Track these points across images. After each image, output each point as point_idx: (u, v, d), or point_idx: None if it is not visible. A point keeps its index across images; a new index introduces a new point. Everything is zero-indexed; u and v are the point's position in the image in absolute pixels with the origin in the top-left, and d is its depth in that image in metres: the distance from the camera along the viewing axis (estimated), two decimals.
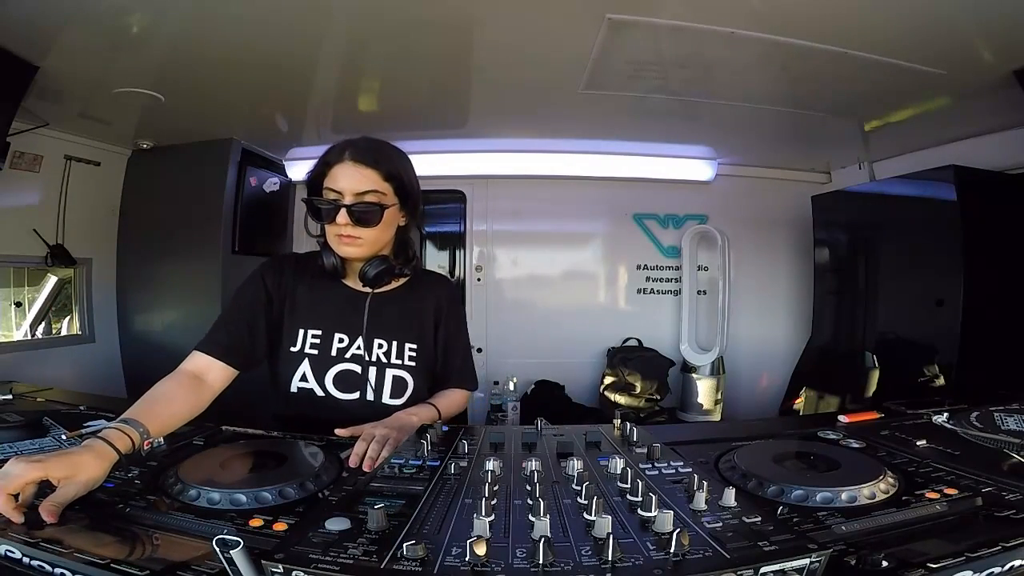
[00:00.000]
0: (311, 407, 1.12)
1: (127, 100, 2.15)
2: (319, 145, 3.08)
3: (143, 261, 2.86)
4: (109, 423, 0.83)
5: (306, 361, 1.13)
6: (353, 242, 1.07)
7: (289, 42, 1.78)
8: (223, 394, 1.06)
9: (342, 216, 1.04)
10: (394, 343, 1.16)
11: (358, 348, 1.14)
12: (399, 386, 1.15)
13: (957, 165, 2.09)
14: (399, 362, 1.16)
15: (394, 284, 1.19)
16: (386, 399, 1.14)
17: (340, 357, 1.13)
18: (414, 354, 1.17)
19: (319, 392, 1.12)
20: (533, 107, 2.46)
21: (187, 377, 1.02)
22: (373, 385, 1.13)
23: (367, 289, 1.15)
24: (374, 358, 1.14)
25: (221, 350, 1.06)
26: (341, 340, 1.14)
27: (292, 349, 1.13)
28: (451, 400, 1.19)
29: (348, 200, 1.05)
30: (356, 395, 1.13)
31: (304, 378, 1.12)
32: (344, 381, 1.13)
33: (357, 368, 1.13)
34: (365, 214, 1.05)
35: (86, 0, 1.52)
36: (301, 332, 1.14)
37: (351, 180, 1.04)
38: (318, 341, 1.13)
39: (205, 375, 1.04)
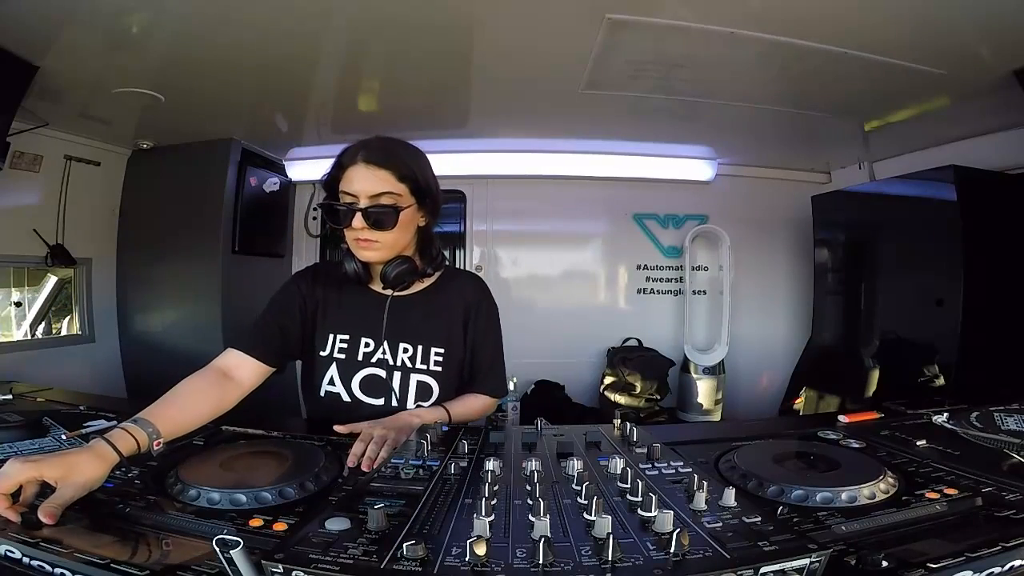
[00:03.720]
0: (339, 411, 1.11)
1: (127, 100, 2.15)
2: (319, 145, 3.09)
3: (143, 261, 2.85)
4: (119, 422, 0.81)
5: (334, 365, 1.12)
6: (370, 246, 1.06)
7: (289, 42, 1.78)
8: (250, 399, 1.05)
9: (358, 220, 1.02)
10: (419, 347, 1.13)
11: (383, 353, 1.12)
12: (424, 392, 1.13)
13: (957, 165, 2.09)
14: (424, 367, 1.13)
15: (420, 285, 1.17)
16: (410, 405, 1.12)
17: (366, 362, 1.12)
18: (440, 359, 1.14)
19: (346, 397, 1.12)
20: (533, 107, 2.46)
21: (215, 373, 1.01)
22: (397, 391, 1.12)
23: (388, 292, 1.13)
24: (399, 363, 1.13)
25: (253, 346, 1.06)
26: (367, 345, 1.13)
27: (322, 353, 1.13)
28: (468, 405, 1.15)
29: (363, 203, 1.03)
30: (382, 400, 1.12)
31: (332, 382, 1.12)
32: (370, 386, 1.12)
33: (382, 373, 1.12)
34: (381, 217, 1.03)
35: (86, 0, 1.52)
36: (331, 337, 1.13)
37: (365, 182, 1.02)
38: (346, 346, 1.13)
39: (235, 372, 1.03)
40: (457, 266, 3.42)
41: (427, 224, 1.15)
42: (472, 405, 1.16)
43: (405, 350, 1.13)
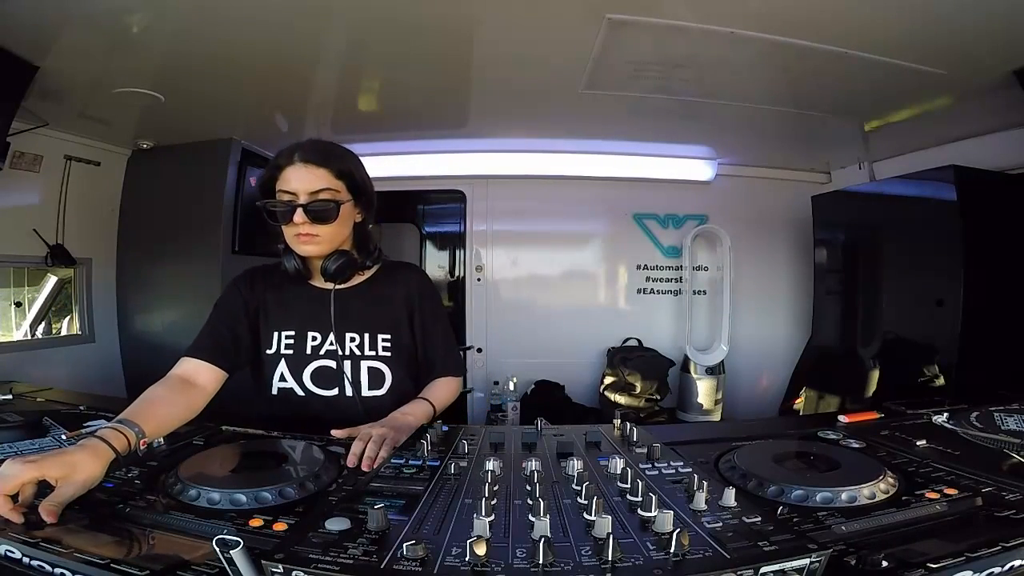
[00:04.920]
0: (294, 406, 1.13)
1: (127, 100, 2.15)
2: None
3: (143, 261, 2.85)
4: (106, 422, 0.83)
5: (283, 362, 1.14)
6: (312, 240, 1.09)
7: (289, 42, 1.78)
8: (220, 399, 1.08)
9: (299, 215, 1.06)
10: (366, 335, 1.17)
11: (331, 344, 1.15)
12: (376, 378, 1.16)
13: (957, 165, 2.08)
14: (373, 353, 1.16)
15: (360, 278, 1.21)
16: (365, 391, 1.15)
17: (315, 354, 1.15)
18: (388, 344, 1.17)
19: (299, 391, 1.14)
20: (533, 107, 2.46)
21: (177, 381, 1.04)
22: (350, 378, 1.15)
23: (330, 285, 1.16)
24: (347, 351, 1.15)
25: (208, 353, 1.08)
26: (314, 338, 1.15)
27: (268, 352, 1.15)
28: (441, 391, 1.19)
29: (303, 200, 1.06)
30: (335, 391, 1.15)
31: (283, 378, 1.14)
32: (322, 377, 1.14)
33: (332, 364, 1.15)
34: (322, 212, 1.07)
35: (86, 0, 1.52)
36: (275, 335, 1.16)
37: (304, 180, 1.06)
38: (292, 341, 1.15)
39: (195, 379, 1.05)
40: (455, 266, 3.44)
41: (363, 220, 1.19)
42: (445, 390, 1.20)
43: (352, 339, 1.16)
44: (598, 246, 3.44)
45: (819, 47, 1.74)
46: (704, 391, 3.10)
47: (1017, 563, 0.56)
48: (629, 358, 3.08)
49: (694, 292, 3.31)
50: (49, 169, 2.50)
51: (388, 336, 1.18)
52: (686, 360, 3.17)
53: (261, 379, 1.16)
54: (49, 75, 1.88)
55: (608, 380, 3.11)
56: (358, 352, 1.16)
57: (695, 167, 3.22)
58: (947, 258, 2.07)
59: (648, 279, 3.38)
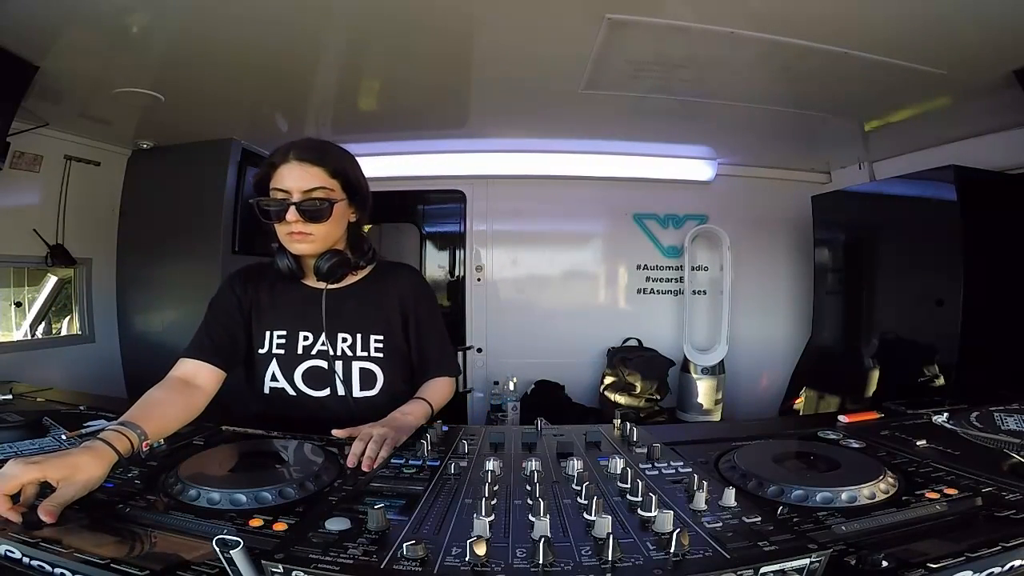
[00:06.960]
0: (285, 406, 1.14)
1: (127, 100, 2.15)
2: None
3: (143, 261, 2.85)
4: (108, 424, 0.83)
5: (274, 361, 1.15)
6: (305, 238, 1.09)
7: (289, 42, 1.78)
8: (220, 398, 1.08)
9: (291, 214, 1.06)
10: (358, 336, 1.16)
11: (323, 344, 1.15)
12: (368, 378, 1.16)
13: (957, 165, 2.08)
14: (365, 354, 1.16)
15: (354, 278, 1.20)
16: (357, 392, 1.15)
17: (306, 354, 1.15)
18: (380, 345, 1.17)
19: (290, 391, 1.14)
20: (533, 107, 2.46)
21: (177, 382, 1.04)
22: (341, 379, 1.15)
23: (323, 285, 1.16)
24: (339, 352, 1.15)
25: (206, 352, 1.09)
26: (306, 338, 1.15)
27: (260, 351, 1.16)
28: (437, 391, 1.19)
29: (296, 198, 1.06)
30: (327, 391, 1.15)
31: (274, 378, 1.15)
32: (313, 378, 1.15)
33: (323, 364, 1.15)
34: (315, 210, 1.07)
35: (86, 0, 1.52)
36: (267, 334, 1.16)
37: (298, 179, 1.06)
38: (284, 340, 1.16)
39: (194, 379, 1.06)
40: (455, 266, 3.44)
41: (358, 220, 1.19)
42: (441, 390, 1.20)
43: (344, 340, 1.16)
44: (598, 246, 3.44)
45: (819, 47, 1.74)
46: (704, 391, 3.10)
47: (1017, 563, 0.56)
48: (629, 358, 3.08)
49: (694, 292, 3.31)
50: (49, 169, 2.51)
51: (380, 337, 1.17)
52: (686, 360, 3.16)
53: (253, 378, 1.17)
54: (49, 75, 1.88)
55: (608, 380, 3.11)
56: (350, 353, 1.16)
57: (695, 167, 3.22)
58: (947, 258, 2.07)
59: (648, 279, 3.38)
